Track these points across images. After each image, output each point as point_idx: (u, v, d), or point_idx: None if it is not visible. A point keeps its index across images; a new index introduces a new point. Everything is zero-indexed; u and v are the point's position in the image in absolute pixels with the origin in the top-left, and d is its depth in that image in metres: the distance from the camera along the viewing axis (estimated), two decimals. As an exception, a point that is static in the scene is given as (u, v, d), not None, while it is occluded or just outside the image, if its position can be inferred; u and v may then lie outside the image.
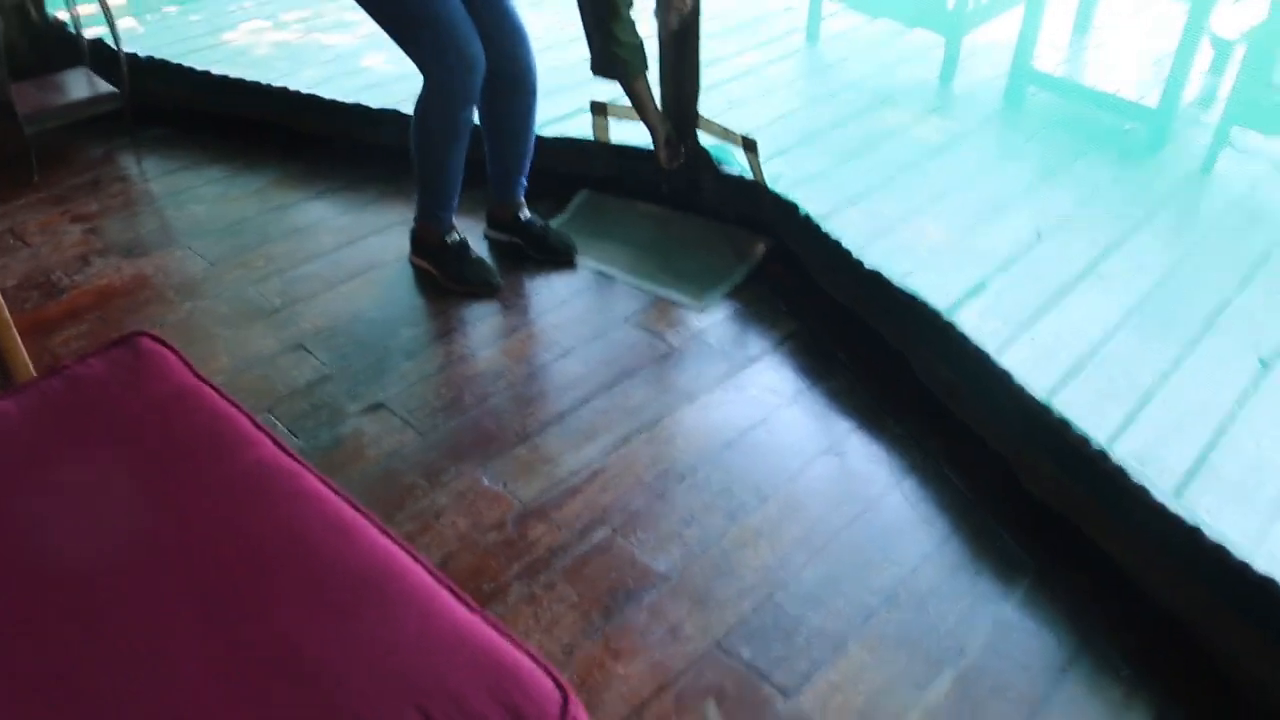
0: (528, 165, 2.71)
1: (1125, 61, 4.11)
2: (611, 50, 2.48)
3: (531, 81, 2.59)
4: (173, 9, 4.99)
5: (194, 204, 3.06)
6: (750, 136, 2.70)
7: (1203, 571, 1.75)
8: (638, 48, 2.52)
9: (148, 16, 4.89)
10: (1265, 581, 1.66)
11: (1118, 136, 3.87)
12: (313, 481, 1.28)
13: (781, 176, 3.10)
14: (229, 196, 3.09)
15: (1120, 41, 4.32)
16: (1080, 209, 3.42)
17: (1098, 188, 3.56)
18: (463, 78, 2.36)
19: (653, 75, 2.67)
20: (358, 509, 1.25)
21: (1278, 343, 2.89)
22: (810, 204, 2.71)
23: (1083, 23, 4.33)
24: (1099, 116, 3.94)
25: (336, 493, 1.27)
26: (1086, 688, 1.69)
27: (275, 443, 1.34)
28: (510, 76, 2.54)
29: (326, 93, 3.40)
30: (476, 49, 2.35)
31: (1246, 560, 1.69)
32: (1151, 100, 3.81)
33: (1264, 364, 2.83)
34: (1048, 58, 4.08)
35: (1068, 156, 3.72)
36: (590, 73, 2.56)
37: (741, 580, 1.84)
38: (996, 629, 1.78)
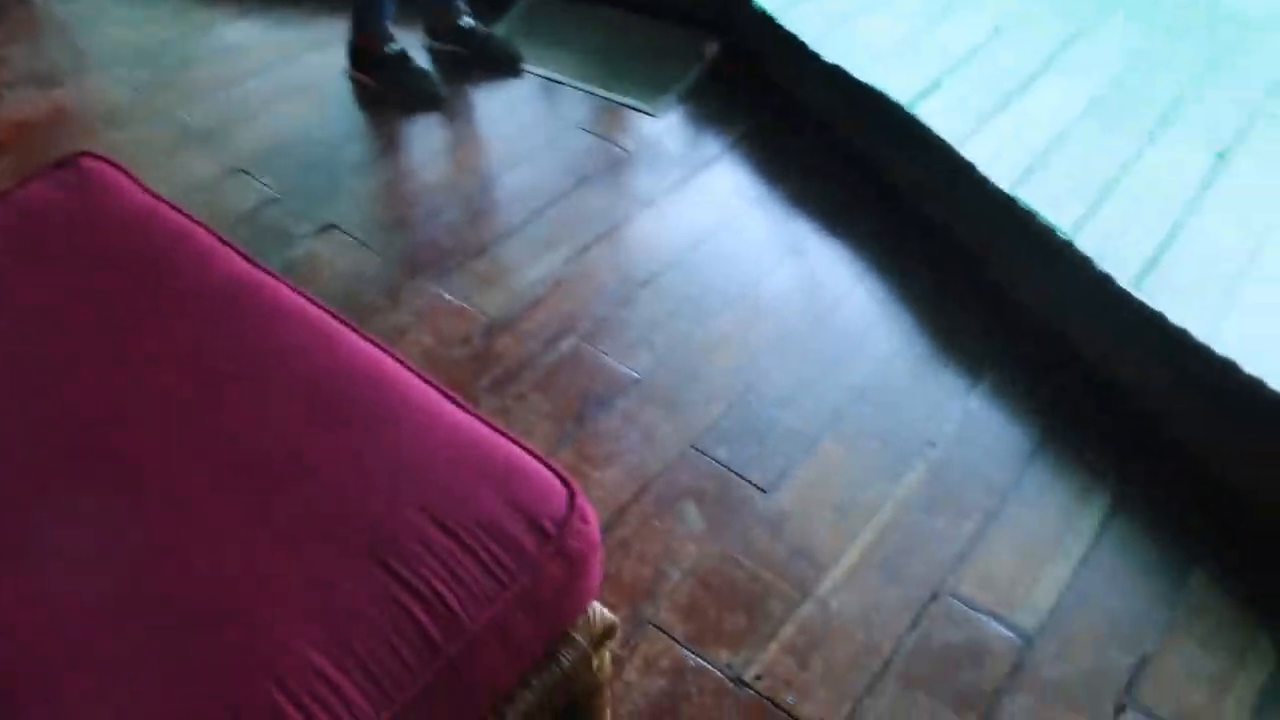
0: None
1: None
2: None
3: None
4: None
5: (109, 26, 2.86)
6: None
7: (1164, 357, 1.77)
8: None
9: None
10: (1226, 364, 1.68)
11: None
12: (287, 292, 1.23)
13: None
14: (147, 17, 2.89)
15: None
16: (1038, 2, 3.32)
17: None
18: None
19: None
20: (336, 317, 1.20)
21: (1232, 136, 2.87)
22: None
23: None
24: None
25: (312, 302, 1.22)
26: (1051, 474, 1.72)
27: (242, 255, 1.28)
28: None
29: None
30: None
31: (1207, 344, 1.70)
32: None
33: (1220, 156, 2.82)
34: None
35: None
36: None
37: (711, 383, 1.83)
38: (964, 420, 1.80)
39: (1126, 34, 3.24)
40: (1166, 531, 1.64)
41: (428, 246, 2.09)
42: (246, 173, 2.29)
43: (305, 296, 1.23)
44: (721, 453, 1.70)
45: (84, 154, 1.44)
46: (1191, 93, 3.01)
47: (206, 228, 1.35)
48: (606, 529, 1.57)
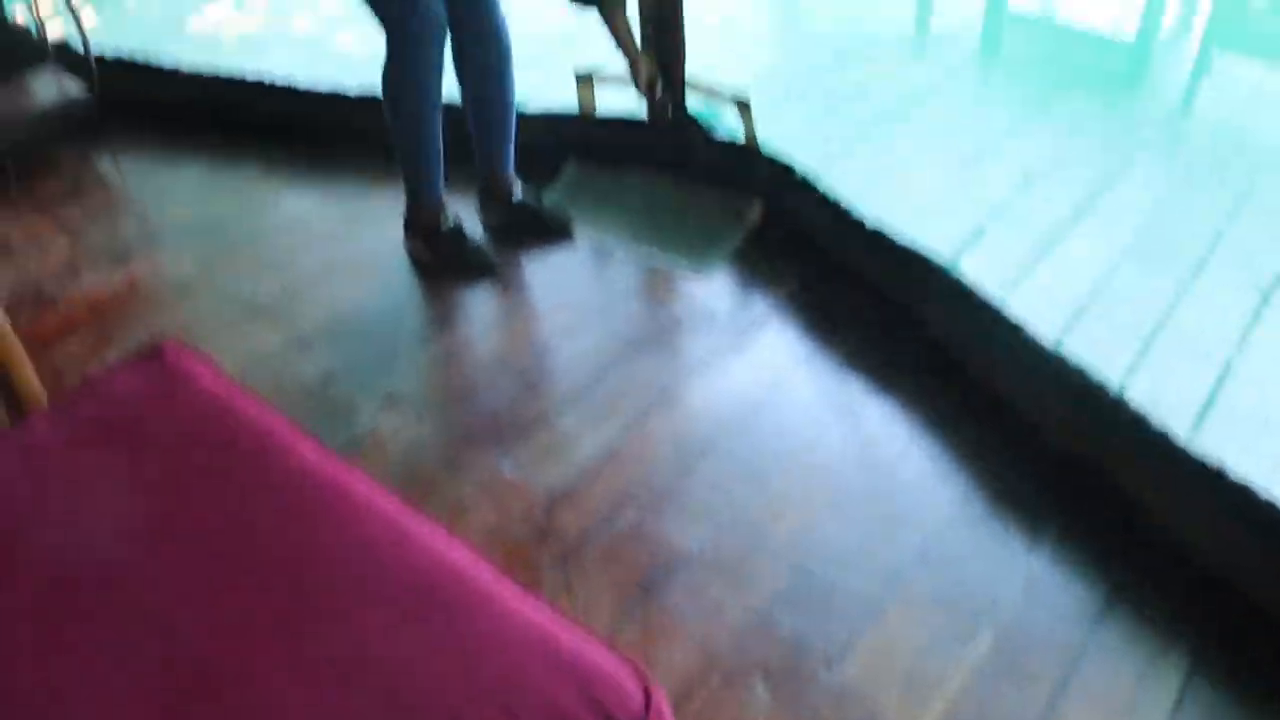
0: (513, 133, 2.66)
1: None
2: None
3: (501, 35, 2.51)
4: (131, -1, 4.90)
5: (177, 204, 3.01)
6: (742, 96, 2.68)
7: (1230, 512, 1.77)
8: None
9: (105, 8, 4.79)
10: (1290, 518, 1.67)
11: (1099, 71, 3.86)
12: (362, 483, 1.27)
13: (768, 133, 3.09)
14: (212, 193, 3.04)
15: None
16: (1068, 147, 3.42)
17: (1083, 124, 3.55)
18: (421, 38, 2.31)
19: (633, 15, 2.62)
20: (405, 506, 1.24)
21: (1274, 272, 2.91)
22: (799, 159, 2.69)
23: (1055, -43, 4.31)
24: (1077, 52, 3.93)
25: (382, 491, 1.27)
26: (1123, 636, 1.70)
27: (316, 446, 1.33)
28: (477, 31, 2.47)
29: (300, 77, 3.34)
30: (437, 8, 2.30)
31: (1272, 499, 1.70)
32: (1128, 32, 3.80)
33: (1263, 295, 2.85)
34: (1023, -4, 4.06)
35: (1051, 95, 3.71)
36: (570, 5, 2.51)
37: (772, 550, 1.84)
38: (1028, 581, 1.79)
39: (1157, 173, 3.33)
40: (1253, 694, 1.61)
41: (486, 418, 2.14)
42: (310, 344, 2.37)
43: (375, 486, 1.27)
44: (786, 623, 1.71)
45: (167, 342, 1.51)
46: (1228, 229, 3.07)
47: (284, 418, 1.40)
48: (675, 707, 1.57)
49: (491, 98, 2.58)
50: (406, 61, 2.35)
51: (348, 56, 4.06)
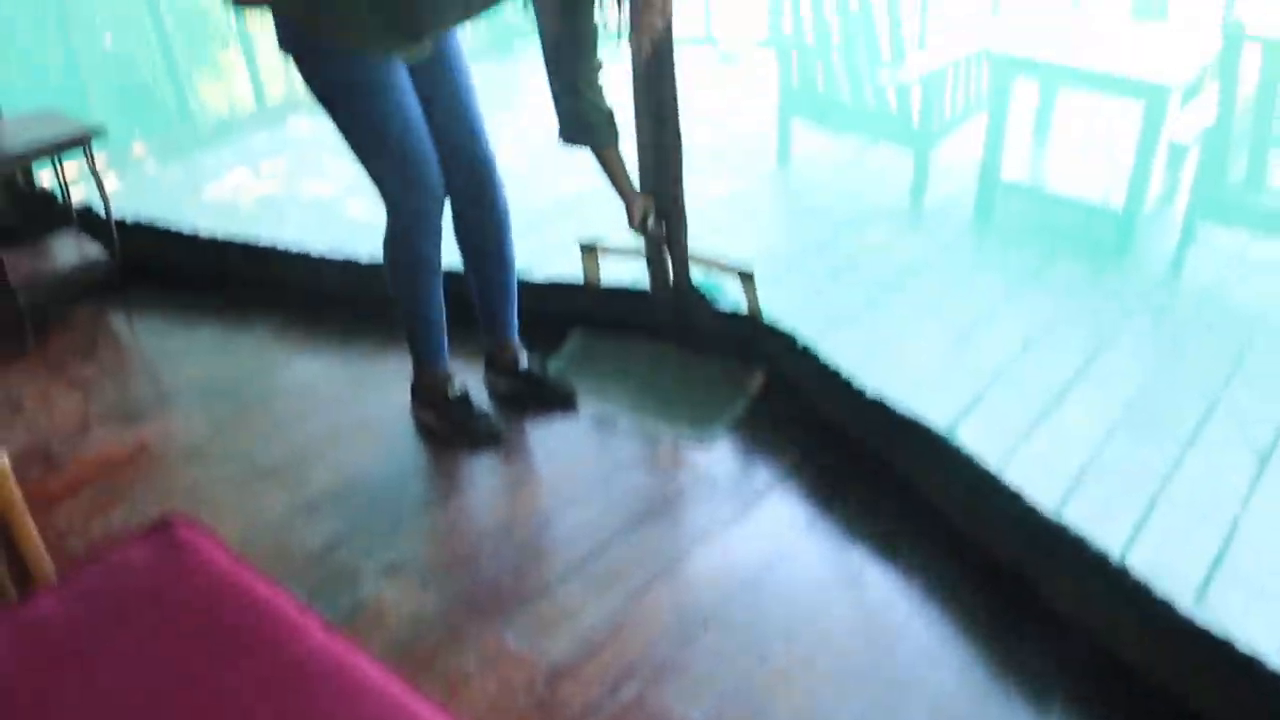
0: (515, 300, 2.72)
1: (1088, 165, 4.24)
2: (581, 111, 2.41)
3: (499, 204, 2.59)
4: (152, 164, 5.10)
5: (190, 365, 3.07)
6: (745, 268, 2.76)
7: (1236, 678, 1.76)
8: (608, 114, 2.46)
9: (128, 173, 4.99)
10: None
11: (1089, 239, 3.98)
12: (364, 665, 1.28)
13: (770, 303, 3.17)
14: (225, 355, 3.10)
15: (1080, 145, 4.46)
16: (1062, 315, 3.51)
17: (1076, 292, 3.65)
18: (419, 207, 2.39)
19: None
20: (411, 687, 1.25)
21: (1269, 437, 2.95)
22: (799, 329, 2.76)
23: (1042, 130, 4.48)
24: (1069, 220, 4.06)
25: (388, 672, 1.27)
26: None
27: (323, 627, 1.34)
28: (476, 201, 2.55)
29: (313, 243, 3.45)
30: (435, 177, 2.38)
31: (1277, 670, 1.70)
32: (1117, 201, 3.94)
33: (1261, 458, 2.88)
34: (1013, 167, 4.21)
35: (1043, 263, 3.82)
36: (561, 141, 2.50)
37: (776, 725, 1.82)
38: (1036, 758, 1.77)
39: (1149, 339, 3.41)
40: None
41: (490, 587, 2.15)
42: (316, 509, 2.39)
43: (377, 666, 1.28)
44: (790, 804, 1.68)
45: (176, 516, 1.53)
46: (1223, 394, 3.12)
47: (289, 595, 1.41)
48: None
49: (492, 266, 2.65)
50: (407, 233, 2.43)
51: (359, 223, 4.20)
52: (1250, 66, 3.36)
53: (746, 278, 2.78)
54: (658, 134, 2.67)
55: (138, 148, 5.20)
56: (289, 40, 2.25)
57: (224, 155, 5.16)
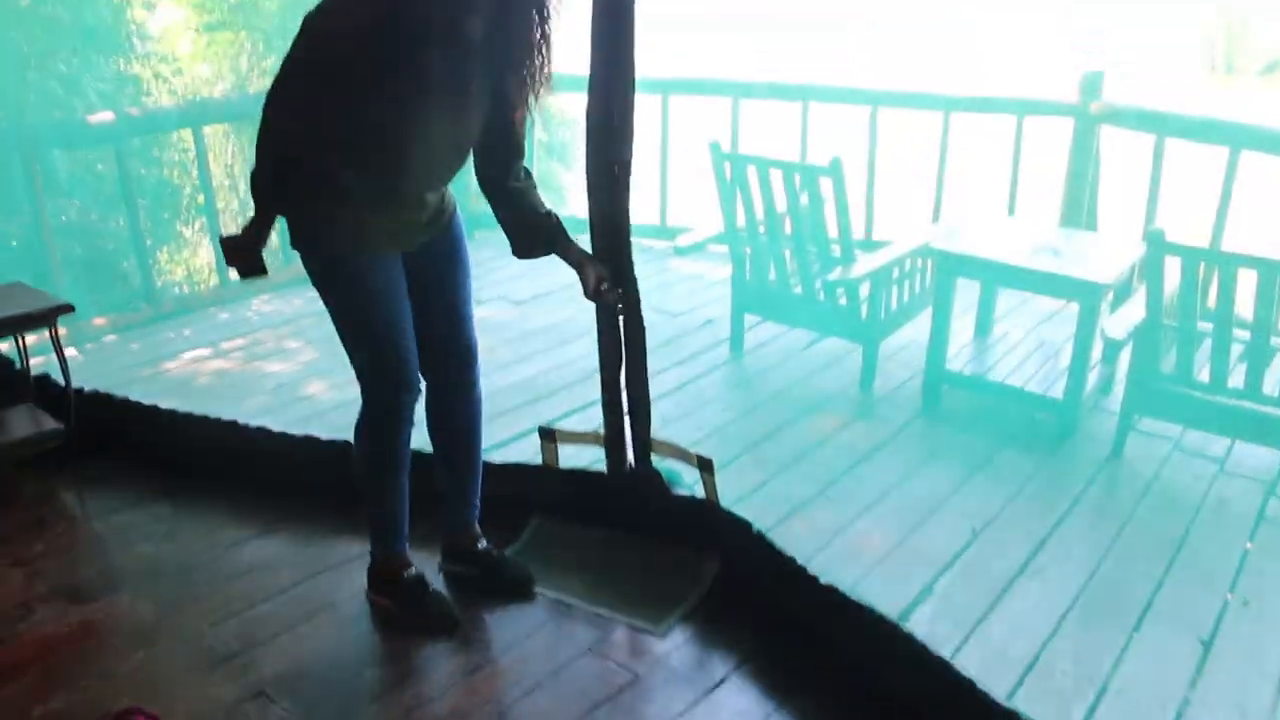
0: (479, 480, 2.76)
1: (1029, 357, 4.42)
2: (523, 217, 2.53)
3: (475, 395, 2.66)
4: (112, 338, 5.13)
5: (142, 543, 3.04)
6: (705, 456, 2.83)
7: None
8: (547, 214, 2.55)
9: (87, 345, 5.01)
10: None
11: (1032, 427, 4.11)
12: None
13: (726, 490, 3.24)
14: (178, 534, 3.08)
15: (1021, 338, 4.66)
16: (1008, 503, 3.60)
17: (1021, 480, 3.75)
18: (394, 402, 2.46)
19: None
20: None
21: (1210, 623, 3.01)
22: (753, 517, 2.80)
23: (984, 323, 4.68)
24: (1012, 410, 4.20)
25: None
26: None
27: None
28: (453, 389, 2.62)
29: (272, 423, 3.47)
30: (412, 375, 2.46)
31: None
32: (1057, 391, 4.09)
33: (1204, 644, 2.94)
34: (958, 358, 4.38)
35: (989, 450, 3.93)
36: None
37: None
38: None
39: (1094, 526, 3.50)
40: None
41: (443, 779, 2.11)
42: (267, 695, 2.35)
43: None
44: None
45: (134, 710, 1.51)
46: (1166, 579, 3.20)
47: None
48: None
49: (462, 450, 2.70)
50: (378, 425, 2.50)
51: (319, 404, 4.24)
52: (1172, 269, 3.57)
53: (705, 465, 2.84)
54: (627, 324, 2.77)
55: (98, 320, 5.24)
56: (295, 238, 2.37)
57: (185, 331, 5.21)
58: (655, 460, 2.97)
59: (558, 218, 2.56)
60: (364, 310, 2.40)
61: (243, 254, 2.35)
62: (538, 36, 2.25)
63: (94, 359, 4.87)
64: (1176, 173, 5.36)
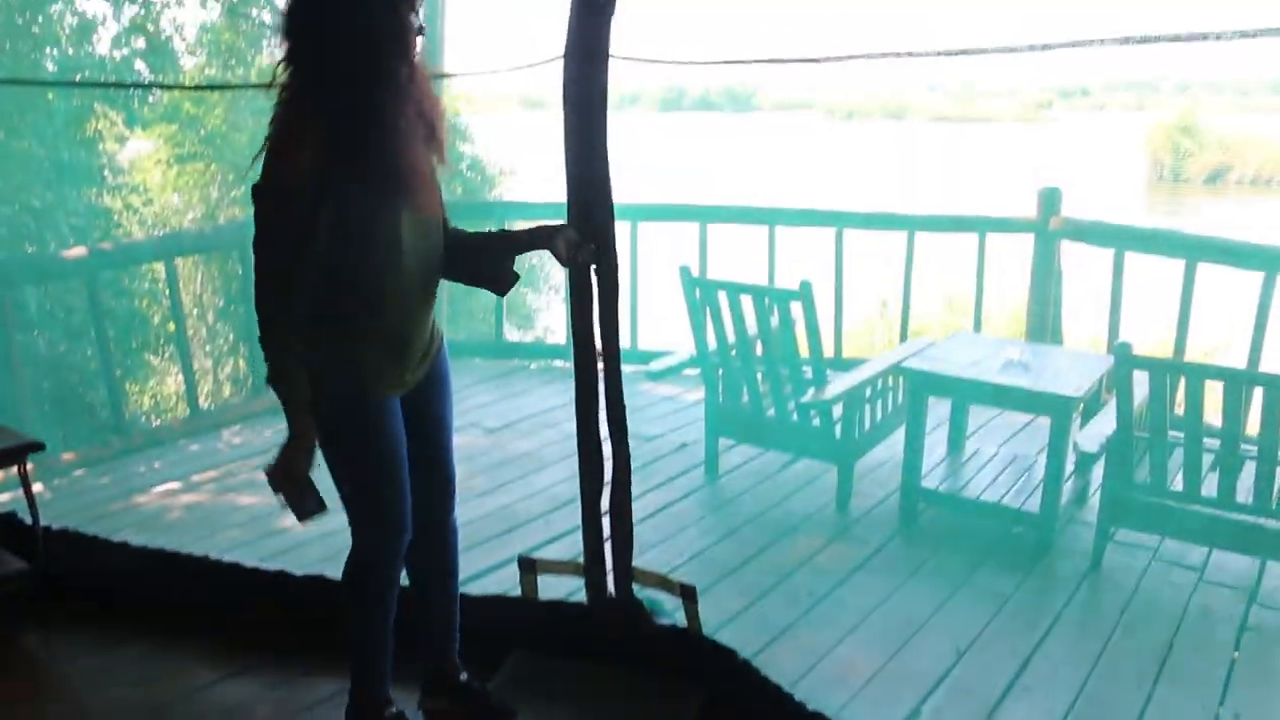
0: (458, 612, 2.72)
1: (1002, 472, 4.44)
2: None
3: (454, 537, 2.66)
4: (81, 472, 5.06)
5: (110, 686, 2.95)
6: (687, 583, 2.80)
7: None
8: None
9: (56, 481, 4.93)
10: None
11: (1010, 543, 4.12)
12: None
13: (708, 617, 3.21)
14: (149, 676, 3.00)
15: (993, 452, 4.69)
16: (990, 620, 3.57)
17: (1002, 596, 3.73)
18: (392, 543, 2.45)
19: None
20: None
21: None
22: (736, 643, 2.77)
23: (958, 440, 4.71)
24: (989, 525, 4.21)
25: None
26: None
27: None
28: (434, 532, 2.60)
29: (244, 557, 3.42)
30: (406, 517, 2.45)
31: None
32: (1033, 506, 4.10)
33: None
34: (933, 475, 4.39)
35: (969, 568, 3.92)
36: None
37: None
38: None
39: (1077, 640, 3.47)
40: None
41: None
42: None
43: None
44: None
45: None
46: (1155, 693, 3.17)
47: None
48: None
49: (441, 591, 2.68)
50: (372, 567, 2.48)
51: (292, 537, 4.17)
52: (1141, 381, 3.63)
53: (688, 593, 2.81)
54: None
55: (67, 455, 5.18)
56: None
57: (155, 463, 5.15)
58: (636, 589, 2.94)
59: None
60: (379, 455, 2.39)
61: (293, 482, 2.25)
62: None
63: (63, 495, 4.80)
64: (1138, 279, 5.50)
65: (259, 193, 2.17)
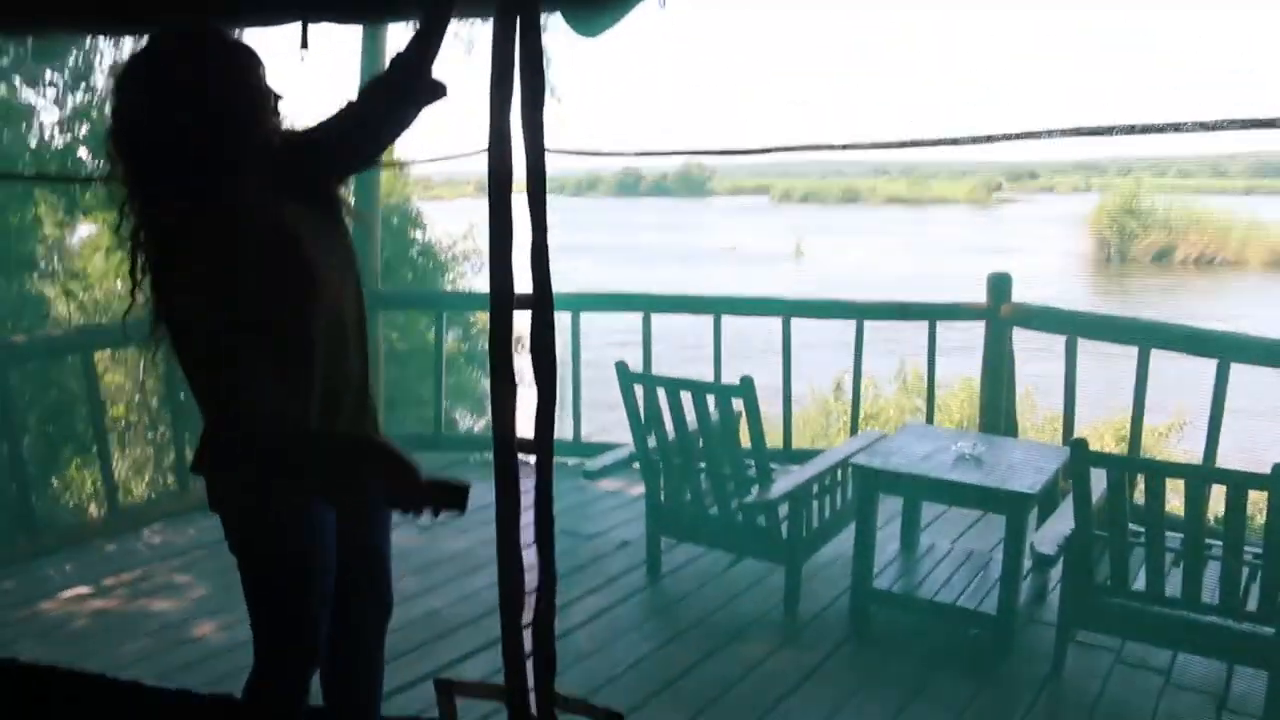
0: None
1: (957, 570, 4.24)
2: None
3: (382, 657, 2.53)
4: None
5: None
6: (615, 709, 2.57)
7: None
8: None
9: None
10: None
11: (967, 645, 3.91)
12: None
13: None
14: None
15: (947, 549, 4.49)
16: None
17: (960, 706, 3.51)
18: (303, 671, 2.27)
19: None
20: None
21: None
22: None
23: (910, 538, 4.51)
24: (945, 627, 4.00)
25: None
26: None
27: None
28: (362, 656, 2.47)
29: (149, 671, 3.16)
30: (319, 639, 2.27)
31: None
32: (990, 606, 3.89)
33: None
34: (885, 574, 4.18)
35: (924, 674, 3.70)
36: None
37: None
38: None
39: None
40: None
41: None
42: None
43: None
44: None
45: None
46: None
47: None
48: None
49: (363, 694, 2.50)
50: (277, 690, 2.29)
51: (205, 644, 3.89)
52: (1099, 476, 3.48)
53: (616, 718, 2.58)
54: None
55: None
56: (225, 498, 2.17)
57: (66, 566, 4.82)
58: (561, 717, 2.70)
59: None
60: (308, 571, 2.22)
61: (439, 490, 2.01)
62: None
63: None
64: (1093, 359, 5.40)
65: (197, 309, 1.95)
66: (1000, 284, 5.61)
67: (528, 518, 1.97)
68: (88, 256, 8.66)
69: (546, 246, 2.48)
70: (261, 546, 2.20)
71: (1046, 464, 4.03)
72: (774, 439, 5.31)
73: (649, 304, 6.08)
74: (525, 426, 1.96)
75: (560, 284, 2.44)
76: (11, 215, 7.48)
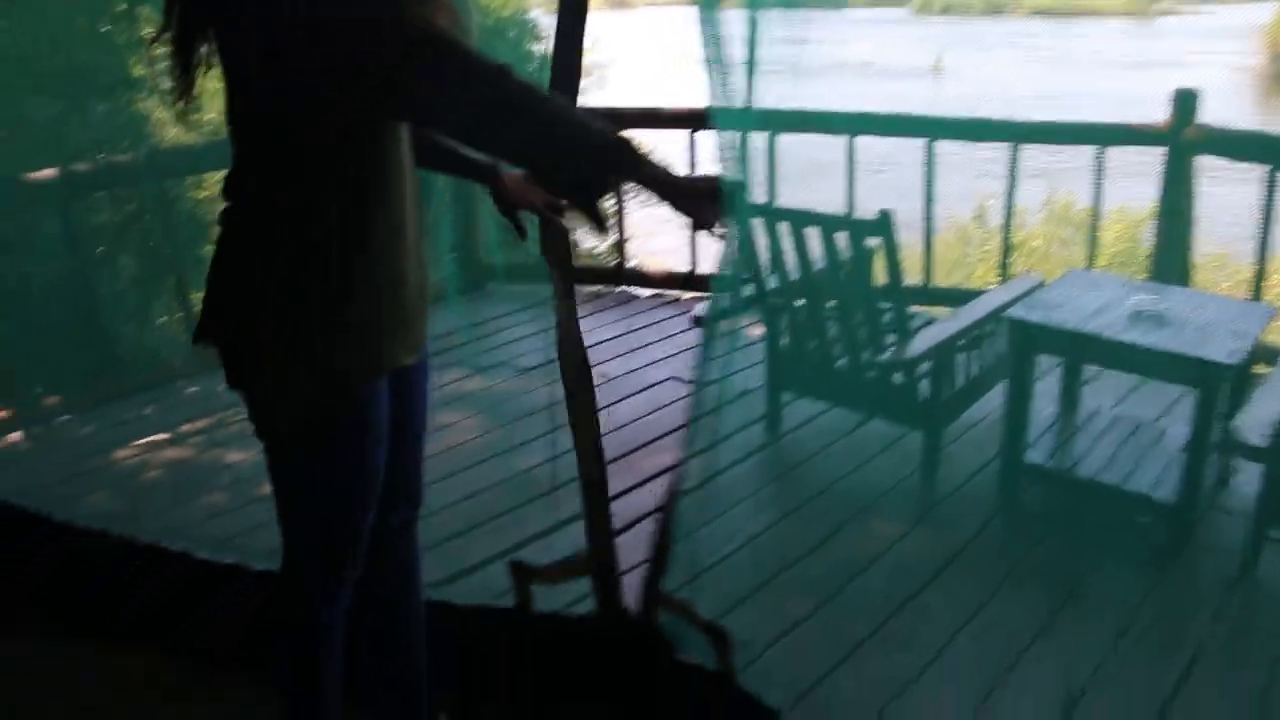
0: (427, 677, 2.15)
1: (1123, 443, 3.63)
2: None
3: (419, 567, 2.17)
4: (65, 418, 4.48)
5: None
6: (719, 624, 2.16)
7: None
8: None
9: (35, 429, 4.38)
10: None
11: (1135, 535, 3.35)
12: None
13: (756, 628, 2.57)
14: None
15: (1111, 417, 3.87)
16: (1114, 645, 2.84)
17: (1128, 610, 2.98)
18: (345, 577, 1.92)
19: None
20: None
21: None
22: (788, 665, 2.32)
23: (1068, 401, 3.89)
24: (1108, 513, 3.44)
25: None
26: None
27: None
28: (397, 569, 2.11)
29: (218, 530, 2.89)
30: (361, 557, 1.92)
31: None
32: (1166, 492, 3.29)
33: None
34: (1039, 446, 3.60)
35: (1083, 569, 3.17)
36: None
37: None
38: None
39: (1233, 677, 2.71)
40: None
41: None
42: None
43: None
44: None
45: None
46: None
47: None
48: None
49: (404, 620, 2.16)
50: (317, 599, 1.94)
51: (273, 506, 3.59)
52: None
53: (719, 635, 2.17)
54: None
55: (49, 399, 4.69)
56: (253, 371, 1.78)
57: (146, 410, 4.53)
58: (663, 617, 2.32)
59: None
60: (359, 461, 1.81)
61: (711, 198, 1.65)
62: None
63: (42, 447, 4.26)
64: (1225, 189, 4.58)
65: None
66: (1186, 102, 4.75)
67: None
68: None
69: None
70: (303, 427, 1.78)
71: (1246, 325, 3.33)
72: (914, 275, 4.71)
73: (773, 121, 5.36)
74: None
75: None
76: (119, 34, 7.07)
